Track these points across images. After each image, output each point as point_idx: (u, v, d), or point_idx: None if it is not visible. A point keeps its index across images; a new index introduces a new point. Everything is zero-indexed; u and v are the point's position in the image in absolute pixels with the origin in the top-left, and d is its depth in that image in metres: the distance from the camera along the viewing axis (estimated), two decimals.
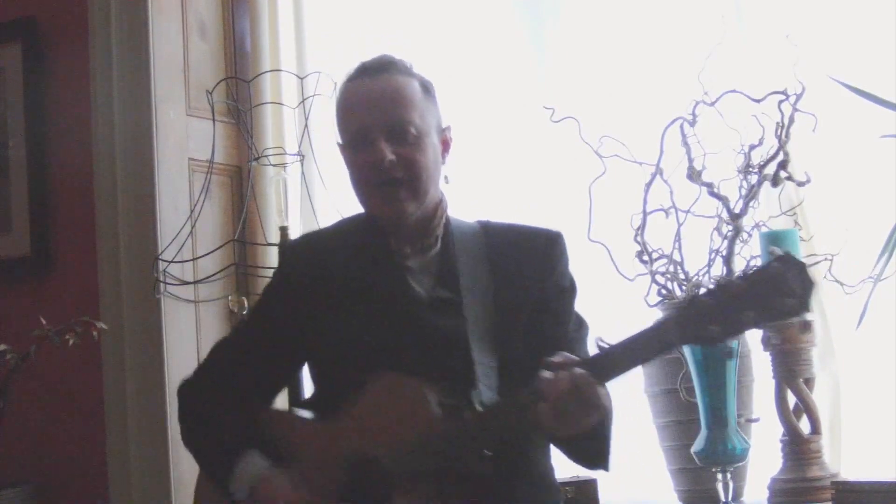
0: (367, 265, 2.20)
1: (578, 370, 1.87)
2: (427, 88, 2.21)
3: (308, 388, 2.81)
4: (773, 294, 1.76)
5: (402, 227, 2.19)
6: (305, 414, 2.25)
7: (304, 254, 2.31)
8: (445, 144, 2.24)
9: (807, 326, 2.43)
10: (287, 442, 2.18)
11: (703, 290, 1.83)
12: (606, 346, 1.93)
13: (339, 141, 2.23)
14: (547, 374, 1.89)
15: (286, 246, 2.45)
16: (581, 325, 2.22)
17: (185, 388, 2.32)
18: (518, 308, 2.16)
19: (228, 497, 2.15)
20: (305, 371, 2.37)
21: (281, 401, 2.48)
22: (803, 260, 1.79)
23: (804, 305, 1.76)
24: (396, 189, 2.13)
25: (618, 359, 1.90)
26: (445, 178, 2.24)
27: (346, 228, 2.32)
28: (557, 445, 2.12)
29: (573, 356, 1.93)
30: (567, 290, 2.22)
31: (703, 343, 1.83)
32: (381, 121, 2.14)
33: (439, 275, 2.19)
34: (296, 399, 2.72)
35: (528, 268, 2.19)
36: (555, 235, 2.24)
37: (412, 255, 2.20)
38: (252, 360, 2.26)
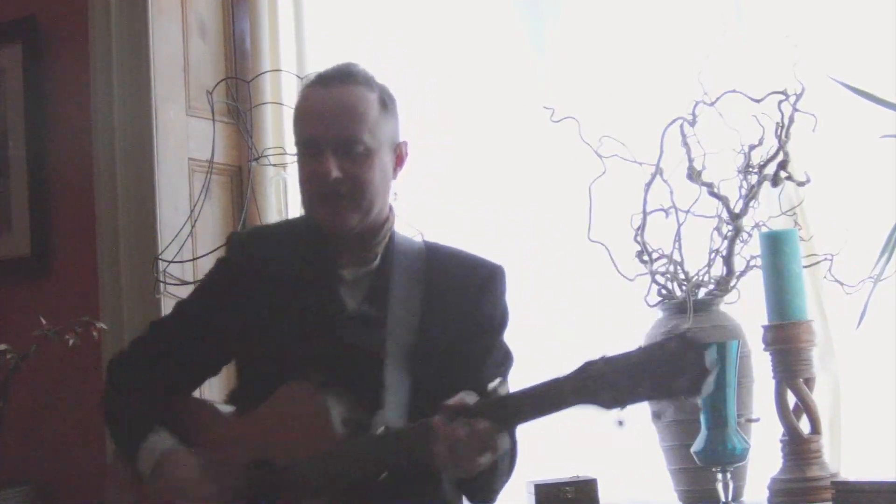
0: (303, 269, 2.22)
1: (477, 421, 1.87)
2: (385, 103, 2.20)
3: None
4: (668, 372, 1.74)
5: (343, 238, 2.20)
6: (223, 407, 2.26)
7: (249, 247, 2.33)
8: (399, 160, 2.24)
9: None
10: (197, 432, 2.20)
11: (599, 357, 1.81)
12: (507, 392, 1.93)
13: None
14: (440, 417, 1.90)
15: (234, 236, 2.47)
16: (505, 361, 2.22)
17: (115, 363, 2.35)
18: (442, 334, 2.17)
19: (136, 474, 2.17)
20: None
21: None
22: (702, 344, 1.74)
23: (696, 389, 1.73)
24: (339, 202, 2.15)
25: (513, 409, 1.90)
26: (395, 194, 2.25)
27: (294, 228, 2.35)
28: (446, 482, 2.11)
29: (467, 403, 1.91)
30: (496, 326, 2.23)
31: (599, 406, 1.81)
32: (331, 134, 2.15)
33: (370, 290, 2.20)
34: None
35: (460, 297, 2.20)
36: (495, 269, 2.26)
37: (348, 266, 2.22)
38: (182, 344, 2.29)
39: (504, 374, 2.20)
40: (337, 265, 2.22)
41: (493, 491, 2.11)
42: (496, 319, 2.23)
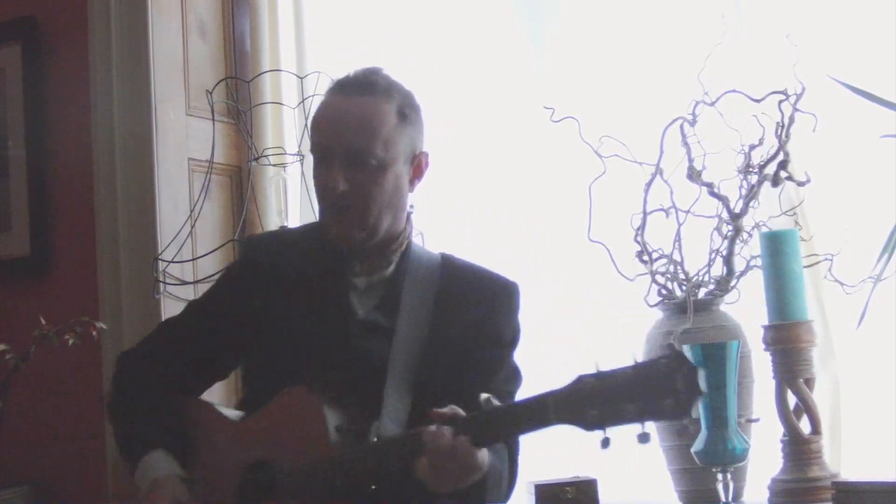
0: (317, 274, 2.21)
1: (460, 435, 1.86)
2: (404, 114, 2.18)
3: None
4: (657, 392, 1.72)
5: (347, 248, 2.20)
6: (227, 410, 2.26)
7: (264, 250, 2.33)
8: (417, 171, 2.22)
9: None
10: (199, 434, 2.19)
11: (589, 373, 1.78)
12: (493, 406, 1.90)
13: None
14: (431, 428, 1.88)
15: (249, 239, 2.47)
16: (513, 380, 2.21)
17: (124, 358, 2.35)
18: (450, 347, 2.15)
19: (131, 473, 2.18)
20: None
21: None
22: (694, 365, 1.72)
23: (685, 411, 1.70)
24: (345, 216, 2.14)
25: (498, 424, 1.88)
26: (411, 206, 2.24)
27: (309, 233, 2.33)
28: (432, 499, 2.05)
29: (459, 412, 1.90)
30: (506, 343, 2.22)
31: (579, 426, 1.78)
32: (343, 146, 2.13)
33: (382, 299, 2.20)
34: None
35: (472, 311, 2.19)
36: (509, 286, 2.25)
37: (361, 274, 2.21)
38: (192, 345, 2.28)
39: (512, 392, 2.19)
40: (350, 272, 2.21)
41: None
42: (507, 336, 2.22)
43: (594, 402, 1.76)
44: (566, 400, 1.79)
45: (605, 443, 1.77)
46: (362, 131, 2.13)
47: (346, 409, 2.04)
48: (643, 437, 1.74)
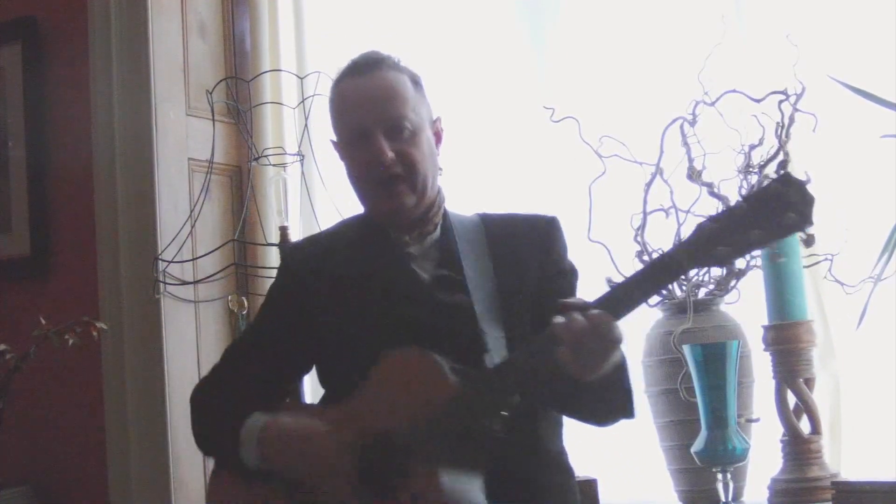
0: (369, 256, 2.22)
1: (593, 310, 1.87)
2: (417, 82, 2.23)
3: (311, 395, 2.83)
4: (776, 211, 1.78)
5: (401, 220, 2.21)
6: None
7: (307, 252, 2.33)
8: (438, 136, 2.26)
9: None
10: (298, 429, 2.13)
11: (704, 220, 1.85)
12: (615, 283, 1.92)
13: (334, 139, 2.25)
14: (559, 318, 1.88)
15: (288, 246, 2.48)
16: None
17: (197, 394, 2.30)
18: (519, 289, 2.17)
19: (244, 471, 2.12)
20: (306, 378, 2.34)
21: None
22: (801, 178, 1.82)
23: (807, 219, 1.78)
24: (396, 185, 2.16)
25: (630, 291, 1.90)
26: (440, 169, 2.25)
27: (344, 228, 2.34)
28: (579, 398, 2.04)
29: (585, 300, 1.92)
30: (567, 271, 2.23)
31: (714, 264, 1.87)
32: (379, 118, 2.16)
33: (441, 258, 2.21)
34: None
35: (525, 252, 2.21)
36: (550, 219, 2.26)
37: (412, 243, 2.22)
38: (261, 362, 2.25)
39: None
40: (402, 244, 2.22)
41: (628, 399, 2.06)
42: (564, 266, 2.23)
43: (721, 239, 1.82)
44: (694, 247, 1.84)
45: (779, 256, 1.90)
46: (392, 100, 2.17)
47: (450, 356, 2.02)
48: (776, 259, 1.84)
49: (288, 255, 2.48)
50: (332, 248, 2.28)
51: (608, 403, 2.08)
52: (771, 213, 1.78)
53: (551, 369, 1.90)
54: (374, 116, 2.16)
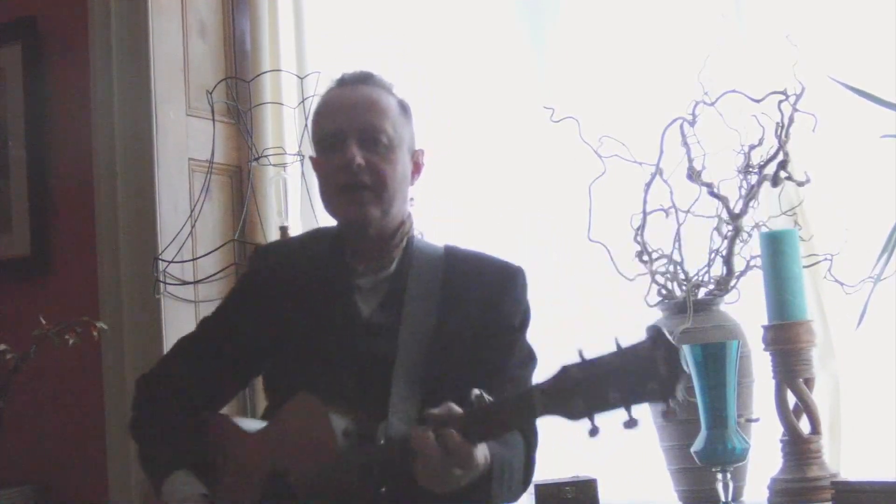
0: (321, 278, 2.22)
1: (449, 430, 1.84)
2: (404, 108, 2.24)
3: None
4: (640, 377, 1.71)
5: (362, 239, 2.20)
6: (250, 422, 2.26)
7: (270, 260, 2.34)
8: (417, 167, 2.26)
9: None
10: (220, 450, 2.19)
11: (573, 363, 1.78)
12: (486, 401, 1.89)
13: (312, 154, 2.27)
14: (420, 430, 1.88)
15: (256, 251, 2.50)
16: (527, 363, 2.21)
17: (143, 381, 2.34)
18: (458, 339, 2.15)
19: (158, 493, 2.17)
20: None
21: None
22: (675, 343, 1.72)
23: (668, 392, 1.70)
24: (362, 193, 2.15)
25: (488, 420, 1.86)
26: (411, 199, 2.25)
27: (312, 240, 2.35)
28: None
29: (455, 409, 1.88)
30: (517, 324, 2.21)
31: (566, 417, 1.78)
32: (355, 125, 2.17)
33: (386, 297, 2.20)
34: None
35: (478, 298, 2.19)
36: (514, 270, 2.25)
37: (365, 274, 2.22)
38: (209, 360, 2.28)
39: (527, 377, 2.18)
40: (353, 273, 2.22)
41: (498, 499, 2.03)
42: (517, 318, 2.22)
43: (579, 391, 1.76)
44: (552, 392, 1.79)
45: (593, 432, 1.77)
46: (372, 110, 2.18)
47: (354, 412, 2.03)
48: (630, 423, 1.74)
49: (255, 258, 2.47)
50: (294, 261, 2.28)
51: None
52: (634, 378, 1.72)
53: (409, 475, 1.89)
54: (350, 122, 2.17)
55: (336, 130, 2.18)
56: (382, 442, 2.02)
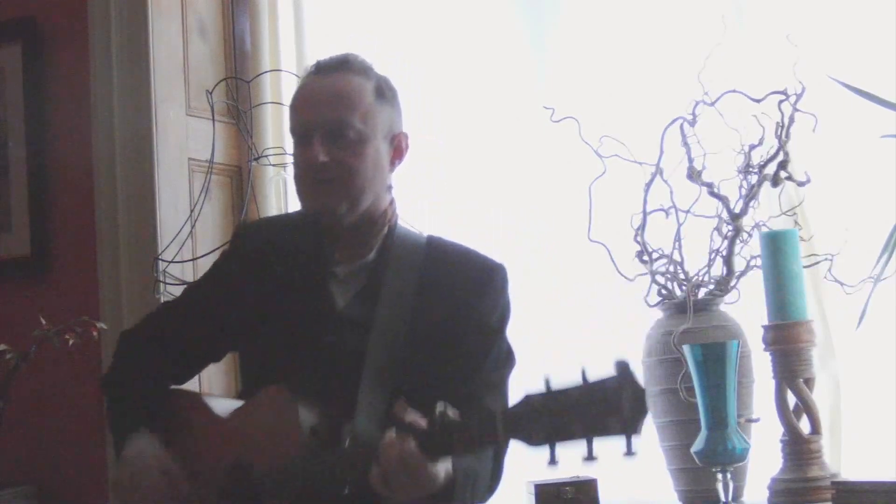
0: (299, 263, 2.20)
1: (409, 444, 1.83)
2: (382, 92, 2.19)
3: None
4: (603, 412, 1.71)
5: (337, 230, 2.17)
6: (221, 401, 2.25)
7: (254, 238, 2.33)
8: (398, 151, 2.21)
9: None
10: (185, 429, 2.18)
11: (536, 392, 1.77)
12: (450, 418, 1.87)
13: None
14: (389, 435, 1.86)
15: (239, 226, 2.47)
16: (504, 364, 2.18)
17: (125, 337, 2.37)
18: (433, 337, 2.11)
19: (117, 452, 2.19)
20: None
21: None
22: (641, 384, 1.72)
23: (630, 430, 1.70)
24: (327, 188, 2.12)
25: (449, 438, 1.84)
26: (389, 186, 2.21)
27: (296, 221, 2.31)
28: None
29: (419, 423, 1.86)
30: (491, 327, 2.16)
31: (525, 442, 1.78)
32: (319, 121, 2.14)
33: (363, 288, 2.17)
34: None
35: (455, 295, 2.15)
36: (493, 267, 2.20)
37: (342, 262, 2.19)
38: (188, 328, 2.29)
39: (504, 379, 2.16)
40: (331, 261, 2.19)
41: None
42: (495, 317, 2.17)
43: (541, 420, 1.75)
44: (514, 417, 1.78)
45: (552, 462, 1.76)
46: (339, 103, 2.14)
47: (322, 409, 2.01)
48: (589, 458, 1.74)
49: (241, 233, 2.46)
50: (275, 241, 2.26)
51: None
52: (597, 412, 1.72)
53: (366, 482, 1.88)
54: (316, 118, 2.14)
55: (304, 124, 2.16)
56: (348, 443, 2.00)
